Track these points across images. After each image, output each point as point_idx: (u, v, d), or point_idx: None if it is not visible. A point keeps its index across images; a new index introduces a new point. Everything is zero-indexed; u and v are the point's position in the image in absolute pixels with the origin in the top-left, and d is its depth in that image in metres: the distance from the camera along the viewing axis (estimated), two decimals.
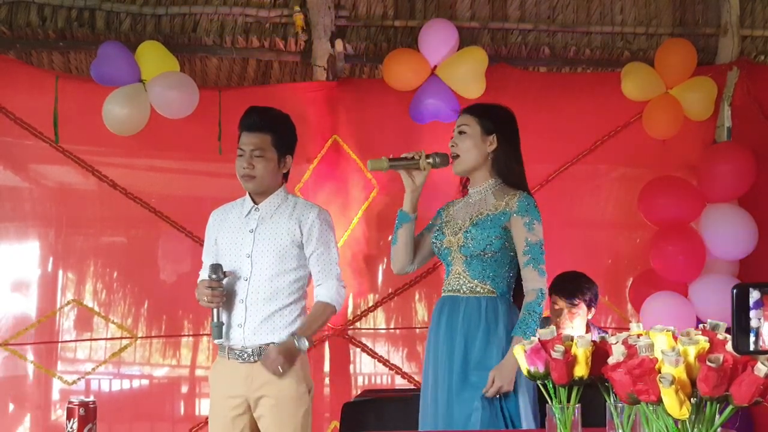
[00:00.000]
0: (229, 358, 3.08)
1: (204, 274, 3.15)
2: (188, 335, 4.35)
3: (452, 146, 2.96)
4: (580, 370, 1.71)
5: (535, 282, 2.78)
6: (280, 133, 3.12)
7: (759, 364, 1.41)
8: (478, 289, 2.84)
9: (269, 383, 3.02)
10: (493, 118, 2.94)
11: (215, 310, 3.05)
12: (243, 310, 3.05)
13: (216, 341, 3.10)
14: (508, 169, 2.92)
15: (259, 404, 3.04)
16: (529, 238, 2.79)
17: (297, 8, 4.39)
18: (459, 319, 2.83)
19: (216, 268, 3.04)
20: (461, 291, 2.86)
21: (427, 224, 3.10)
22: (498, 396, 2.71)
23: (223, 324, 3.05)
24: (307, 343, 3.06)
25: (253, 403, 3.05)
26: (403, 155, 2.94)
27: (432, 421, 2.84)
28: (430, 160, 2.92)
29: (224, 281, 3.05)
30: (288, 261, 3.08)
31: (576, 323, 3.71)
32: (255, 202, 3.14)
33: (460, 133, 2.95)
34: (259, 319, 3.04)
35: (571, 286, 3.73)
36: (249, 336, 3.04)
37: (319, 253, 3.12)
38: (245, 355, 3.04)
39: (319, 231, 3.12)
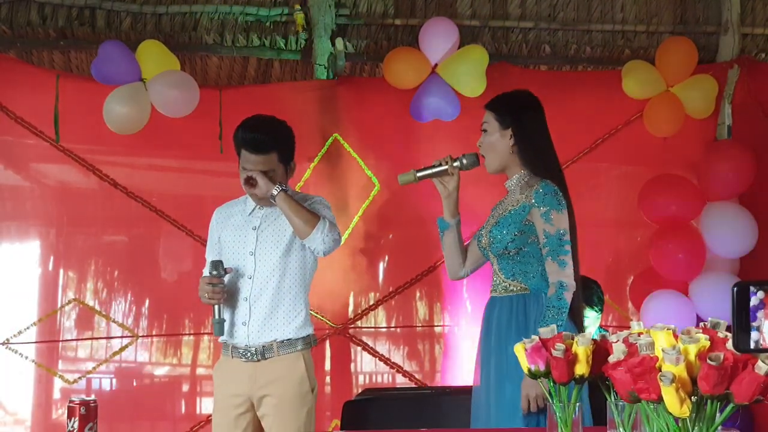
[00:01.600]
0: (232, 356, 3.07)
1: (206, 271, 3.15)
2: (189, 334, 4.35)
3: (479, 146, 2.90)
4: (581, 369, 1.71)
5: (555, 275, 2.68)
6: (284, 147, 3.07)
7: (759, 363, 1.41)
8: (511, 288, 2.79)
9: (273, 382, 3.02)
10: (510, 110, 2.85)
11: (216, 307, 3.04)
12: (247, 308, 3.05)
13: (220, 339, 3.10)
14: (534, 159, 2.84)
15: (263, 403, 3.04)
16: (546, 229, 2.71)
17: (297, 7, 4.39)
18: (493, 321, 2.81)
19: (216, 264, 3.03)
20: (497, 291, 2.83)
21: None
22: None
23: (224, 321, 3.04)
24: (277, 193, 2.95)
25: (257, 402, 3.05)
26: (432, 163, 2.89)
27: (481, 419, 2.81)
28: (458, 163, 2.87)
29: (225, 278, 3.04)
30: (292, 258, 3.07)
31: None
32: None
33: (484, 131, 2.89)
34: (263, 316, 3.03)
35: (600, 300, 3.82)
36: (253, 334, 3.03)
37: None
38: (249, 354, 3.04)
39: (312, 201, 3.10)
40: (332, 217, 3.10)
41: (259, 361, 3.03)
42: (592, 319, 3.80)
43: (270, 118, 3.10)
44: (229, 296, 3.06)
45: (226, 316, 3.06)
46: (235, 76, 4.65)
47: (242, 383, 3.04)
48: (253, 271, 3.06)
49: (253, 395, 3.04)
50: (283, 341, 3.04)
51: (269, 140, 3.02)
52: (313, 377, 3.11)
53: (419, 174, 2.89)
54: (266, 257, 3.06)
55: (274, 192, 2.96)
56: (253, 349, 3.03)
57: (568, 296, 2.68)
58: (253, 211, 3.12)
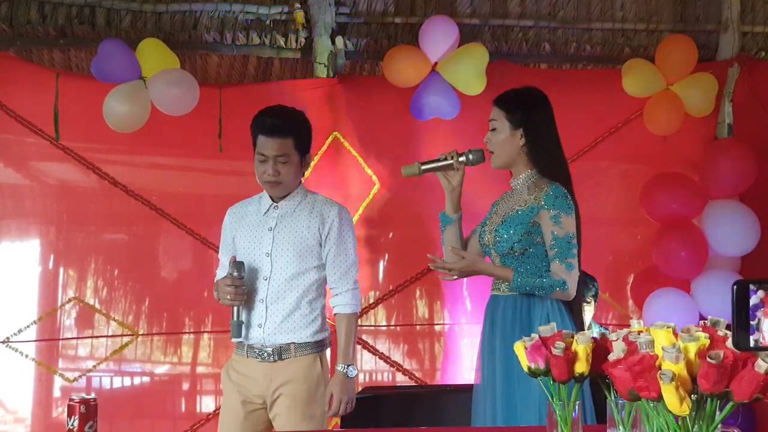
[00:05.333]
0: (247, 356, 3.03)
1: (222, 272, 3.11)
2: (189, 332, 4.35)
3: (486, 142, 2.89)
4: (581, 367, 1.71)
5: (562, 275, 2.71)
6: (301, 134, 3.05)
7: (759, 361, 1.41)
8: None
9: (289, 382, 2.99)
10: (521, 110, 2.84)
11: (235, 309, 2.98)
12: (263, 310, 3.00)
13: (234, 339, 3.05)
14: (543, 160, 2.83)
15: (276, 403, 3.00)
16: (555, 231, 2.72)
17: (297, 5, 4.39)
18: (498, 320, 2.80)
19: (239, 265, 2.96)
20: (500, 289, 2.83)
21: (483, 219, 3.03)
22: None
23: (243, 323, 3.00)
24: (355, 370, 3.08)
25: (270, 401, 3.01)
26: (437, 157, 2.90)
27: (482, 418, 2.82)
28: (463, 158, 2.87)
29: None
30: (309, 259, 3.04)
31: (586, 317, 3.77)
32: (274, 200, 3.08)
33: (492, 129, 2.87)
34: (280, 318, 3.00)
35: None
36: (269, 336, 3.00)
37: (335, 254, 3.07)
38: (265, 354, 3.00)
39: (338, 231, 3.07)
40: (355, 258, 3.12)
41: (275, 361, 3.00)
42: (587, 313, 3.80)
43: (288, 107, 3.11)
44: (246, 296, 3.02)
45: (242, 316, 3.01)
46: (235, 74, 4.65)
47: (257, 383, 3.00)
48: (270, 272, 3.01)
49: (267, 395, 3.00)
50: (300, 344, 3.02)
51: (285, 124, 3.01)
52: (329, 378, 3.09)
53: (423, 167, 2.89)
54: (283, 259, 3.02)
55: (354, 375, 3.07)
56: (270, 349, 3.00)
57: (558, 295, 2.72)
58: (268, 210, 3.08)
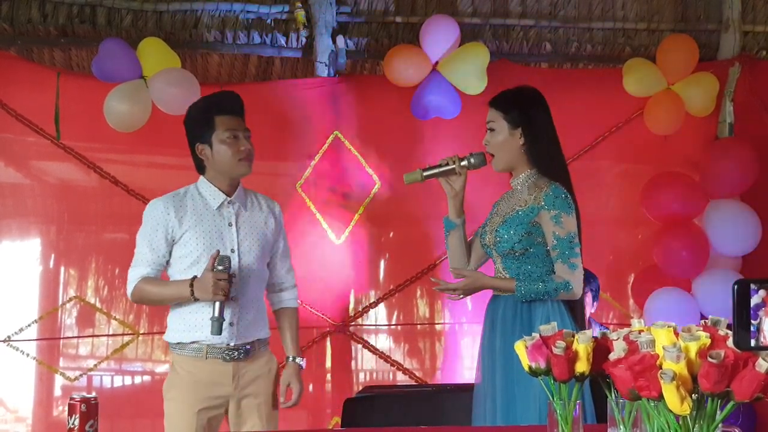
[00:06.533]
0: (207, 357, 2.89)
1: (145, 269, 2.96)
2: None
3: (486, 144, 2.88)
4: (582, 366, 1.71)
5: (566, 275, 2.71)
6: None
7: (760, 360, 1.41)
8: None
9: (255, 380, 2.94)
10: (518, 109, 2.83)
11: (218, 305, 2.80)
12: (235, 308, 2.89)
13: (214, 336, 2.83)
14: (543, 159, 2.83)
15: (243, 402, 2.93)
16: (556, 232, 2.72)
17: (298, 4, 4.40)
18: (498, 320, 2.80)
19: (224, 259, 2.80)
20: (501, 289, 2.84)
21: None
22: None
23: (224, 320, 2.83)
24: (304, 360, 3.10)
25: (236, 402, 2.92)
26: (438, 162, 2.89)
27: (482, 417, 2.82)
28: (465, 163, 2.86)
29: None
30: (268, 255, 3.03)
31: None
32: (226, 194, 2.96)
33: (490, 130, 2.87)
34: (251, 316, 2.93)
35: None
36: (241, 334, 2.91)
37: (283, 250, 3.10)
38: (234, 354, 2.89)
39: (282, 227, 3.11)
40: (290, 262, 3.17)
41: (242, 359, 2.91)
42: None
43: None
44: None
45: (225, 313, 2.85)
46: (235, 73, 4.65)
47: (221, 384, 2.89)
48: (237, 269, 2.90)
49: (234, 394, 2.91)
50: (262, 339, 2.99)
51: (241, 104, 3.02)
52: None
53: (425, 173, 2.88)
54: (250, 255, 2.95)
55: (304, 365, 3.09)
56: (239, 347, 2.90)
57: (563, 296, 2.72)
58: (221, 205, 2.96)
